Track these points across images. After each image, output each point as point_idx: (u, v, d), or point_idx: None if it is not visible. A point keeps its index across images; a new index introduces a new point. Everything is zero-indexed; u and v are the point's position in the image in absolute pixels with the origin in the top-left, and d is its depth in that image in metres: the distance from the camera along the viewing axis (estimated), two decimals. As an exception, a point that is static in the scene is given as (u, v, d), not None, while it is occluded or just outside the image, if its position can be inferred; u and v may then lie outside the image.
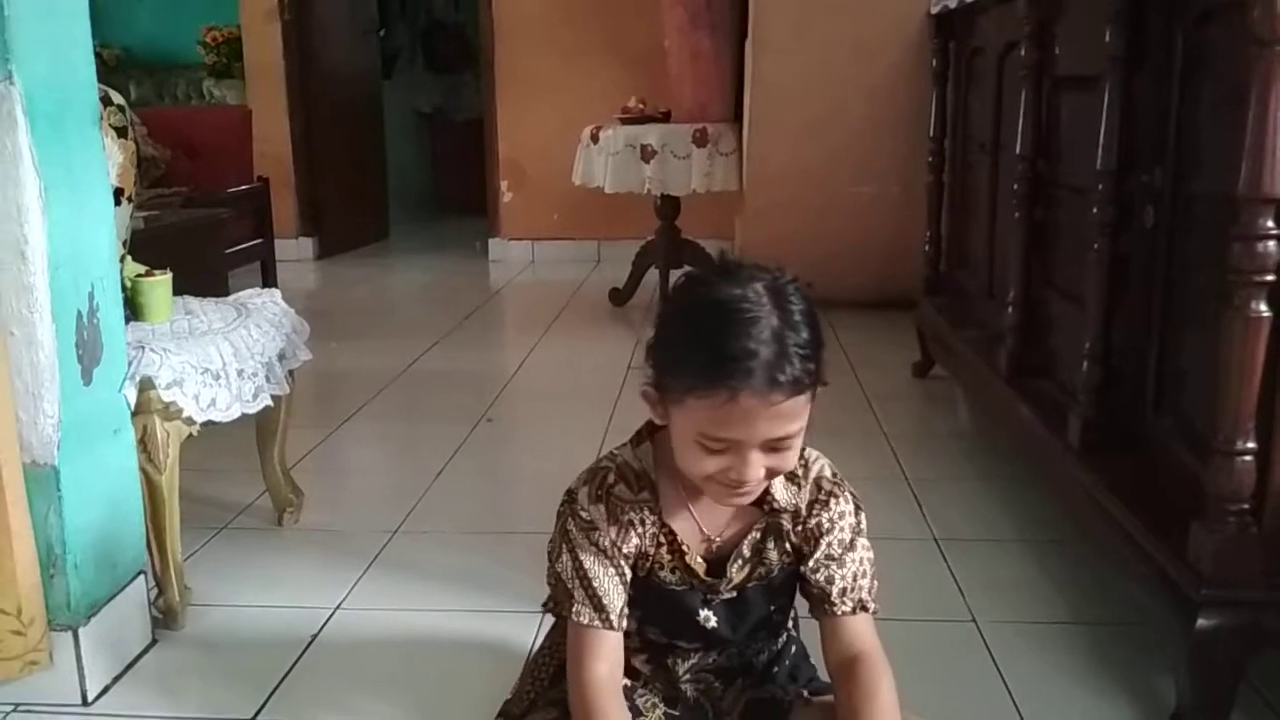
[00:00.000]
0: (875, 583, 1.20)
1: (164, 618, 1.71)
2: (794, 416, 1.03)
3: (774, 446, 1.05)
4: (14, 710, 1.48)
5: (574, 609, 1.15)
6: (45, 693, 1.48)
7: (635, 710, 1.22)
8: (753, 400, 1.00)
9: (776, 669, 1.28)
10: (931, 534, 2.06)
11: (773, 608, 1.23)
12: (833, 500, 1.19)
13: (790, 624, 1.31)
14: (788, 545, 1.19)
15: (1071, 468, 1.74)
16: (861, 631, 1.17)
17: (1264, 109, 1.21)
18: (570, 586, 1.16)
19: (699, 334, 1.04)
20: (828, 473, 1.20)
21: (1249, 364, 1.26)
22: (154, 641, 1.66)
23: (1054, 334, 2.11)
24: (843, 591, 1.18)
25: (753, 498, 1.13)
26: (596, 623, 1.14)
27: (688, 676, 1.25)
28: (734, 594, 1.19)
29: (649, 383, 1.10)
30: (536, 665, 1.32)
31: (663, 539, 1.17)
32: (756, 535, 1.18)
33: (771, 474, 1.08)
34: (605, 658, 1.15)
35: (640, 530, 1.16)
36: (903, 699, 1.15)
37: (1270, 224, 1.23)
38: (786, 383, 1.00)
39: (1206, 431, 1.35)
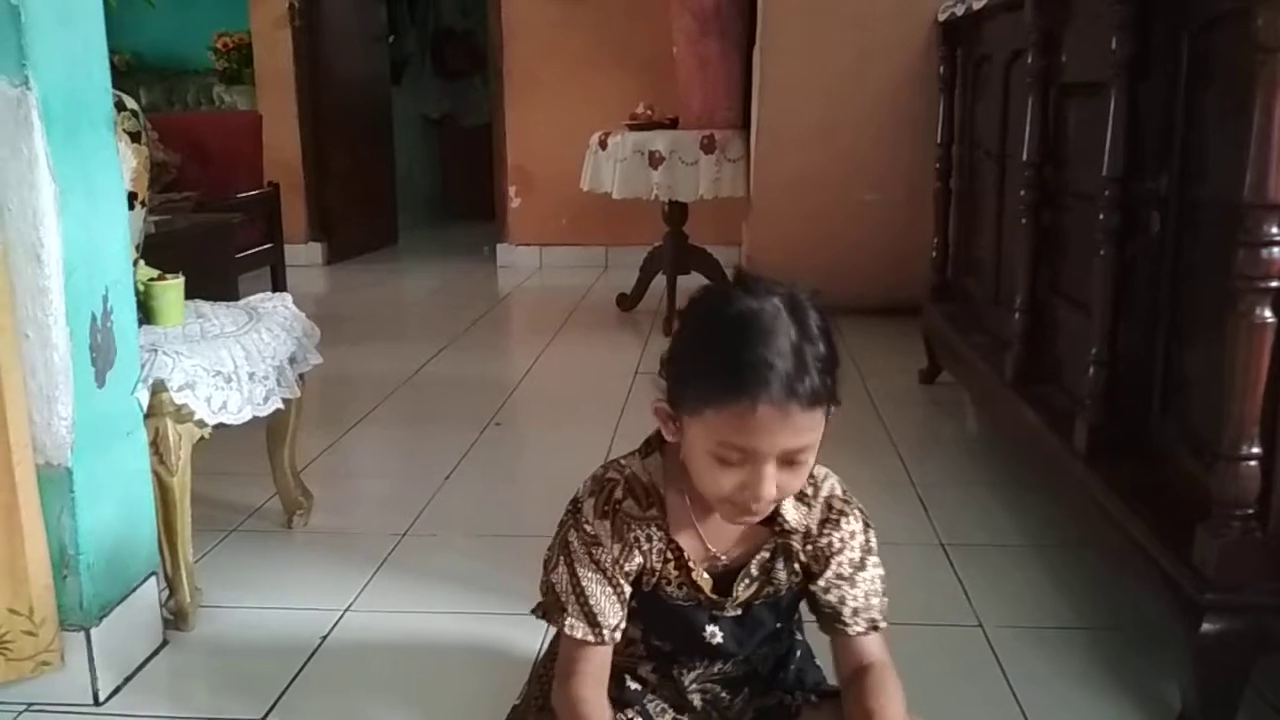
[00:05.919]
0: (886, 600, 1.21)
1: (175, 619, 1.72)
2: (810, 430, 1.03)
3: (789, 460, 1.04)
4: (26, 710, 1.49)
5: (567, 622, 1.16)
6: (57, 693, 1.49)
7: (646, 715, 1.22)
8: (771, 411, 1.00)
9: (782, 674, 1.28)
10: (938, 538, 2.06)
11: (779, 624, 1.24)
12: (843, 519, 1.19)
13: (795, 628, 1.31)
14: (796, 565, 1.19)
15: (1077, 473, 1.74)
16: (873, 648, 1.19)
17: (1269, 116, 1.22)
18: (564, 599, 1.16)
19: (717, 347, 1.04)
20: (838, 491, 1.20)
21: (1254, 369, 1.26)
22: (164, 643, 1.67)
23: (1060, 340, 2.11)
24: (855, 611, 1.18)
25: (762, 516, 1.13)
26: (590, 638, 1.15)
27: (694, 687, 1.25)
28: (740, 611, 1.20)
29: (662, 398, 1.10)
30: (544, 670, 1.32)
31: (669, 555, 1.17)
32: (766, 555, 1.18)
33: (782, 492, 1.08)
34: (593, 670, 1.16)
35: (646, 548, 1.16)
36: (910, 705, 1.15)
37: (1275, 230, 1.23)
38: (804, 394, 1.00)
39: (1212, 436, 1.35)
